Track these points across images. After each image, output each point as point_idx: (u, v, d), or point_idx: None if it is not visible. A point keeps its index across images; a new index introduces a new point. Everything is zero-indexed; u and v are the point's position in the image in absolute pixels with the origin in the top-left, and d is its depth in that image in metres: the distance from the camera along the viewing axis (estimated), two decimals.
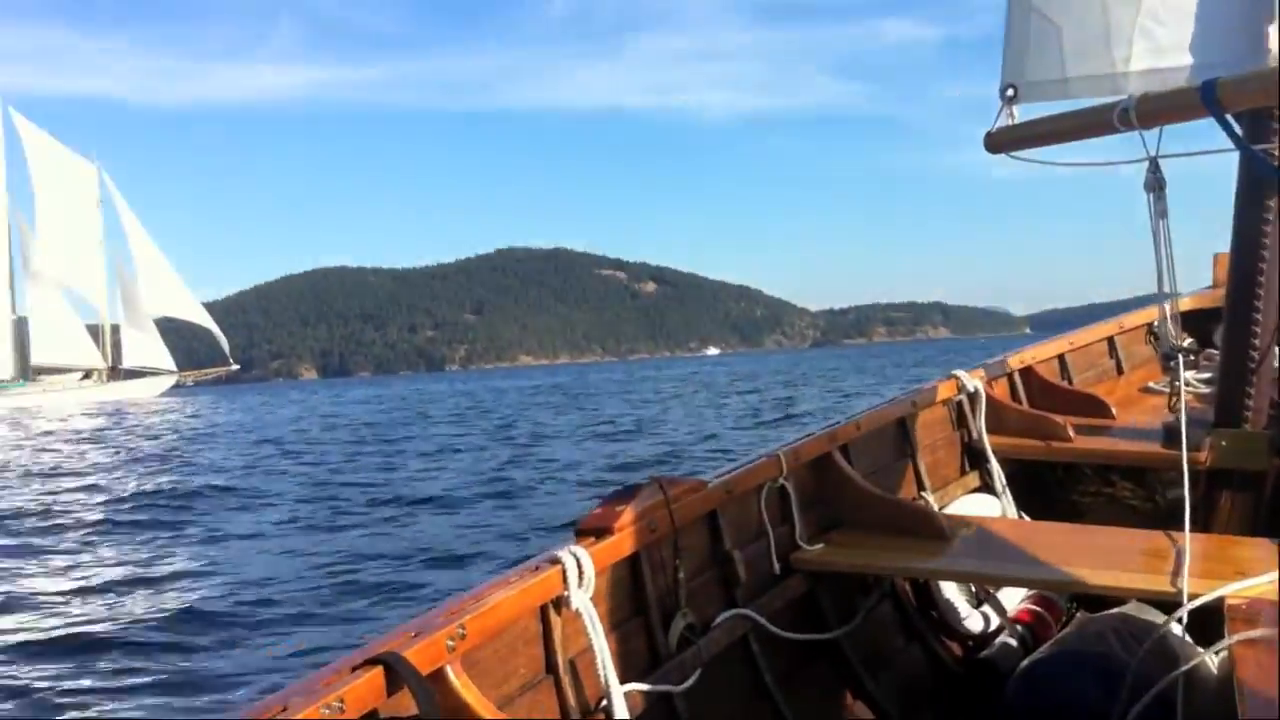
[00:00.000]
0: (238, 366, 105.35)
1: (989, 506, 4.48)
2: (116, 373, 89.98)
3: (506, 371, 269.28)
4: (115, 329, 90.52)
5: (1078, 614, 3.91)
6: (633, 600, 2.96)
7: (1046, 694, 3.06)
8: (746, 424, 23.99)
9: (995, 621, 4.00)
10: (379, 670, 2.05)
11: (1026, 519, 4.51)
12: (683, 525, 3.07)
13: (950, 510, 4.29)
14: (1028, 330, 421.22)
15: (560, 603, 2.61)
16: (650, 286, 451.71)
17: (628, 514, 2.88)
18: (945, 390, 4.71)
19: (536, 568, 2.59)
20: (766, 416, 26.24)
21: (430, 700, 2.08)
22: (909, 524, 3.66)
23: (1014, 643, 3.84)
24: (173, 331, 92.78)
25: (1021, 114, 3.17)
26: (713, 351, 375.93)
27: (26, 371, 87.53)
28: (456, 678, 2.24)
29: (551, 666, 2.62)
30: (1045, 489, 4.72)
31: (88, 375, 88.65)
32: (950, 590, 3.98)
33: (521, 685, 2.55)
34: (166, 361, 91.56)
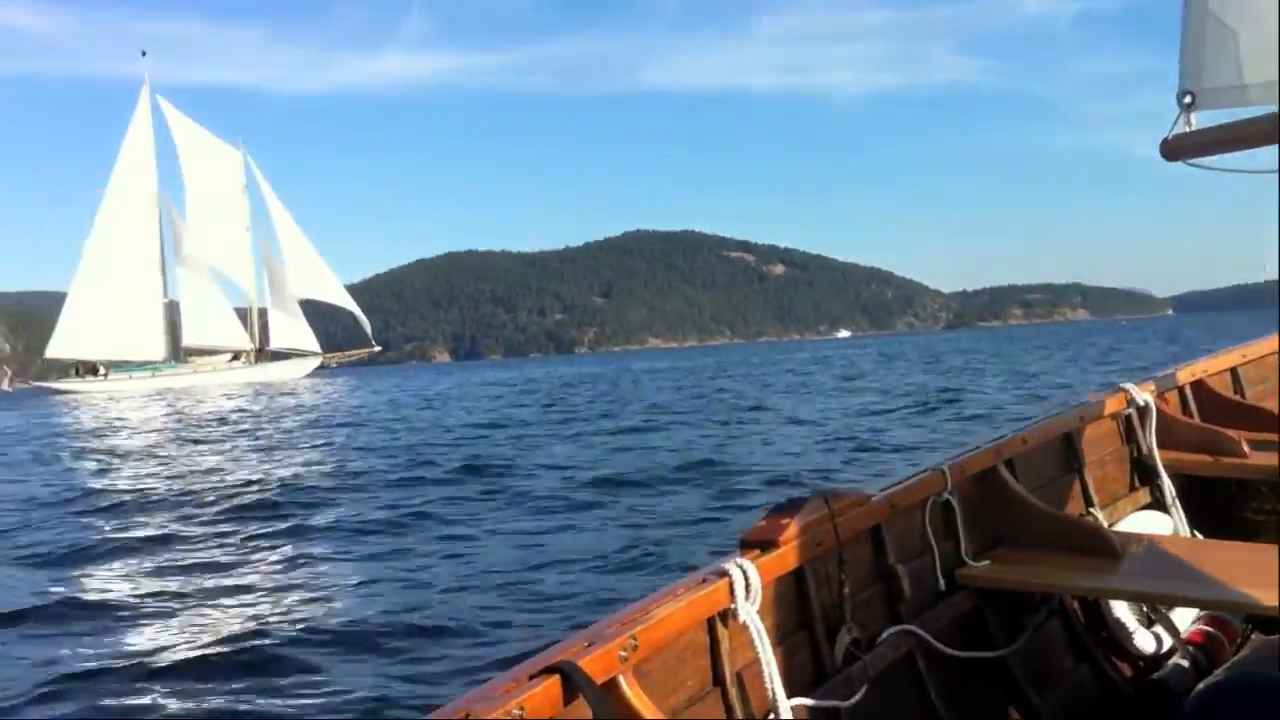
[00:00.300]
0: (380, 348, 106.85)
1: (1159, 523, 4.35)
2: (264, 354, 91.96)
3: (638, 353, 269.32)
4: (262, 312, 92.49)
5: (1253, 636, 3.83)
6: (798, 614, 2.95)
7: (1222, 717, 2.80)
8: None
9: (1167, 642, 3.83)
10: (556, 679, 2.12)
11: (1199, 536, 4.39)
12: (847, 539, 3.05)
13: (1119, 527, 4.17)
14: (1170, 312, 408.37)
15: (727, 615, 2.62)
16: (779, 268, 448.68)
17: (793, 527, 2.86)
18: (1113, 404, 4.58)
19: (704, 580, 2.60)
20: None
21: (606, 710, 2.15)
22: (1077, 540, 3.59)
23: (1187, 664, 3.73)
24: (311, 314, 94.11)
25: (1198, 121, 3.09)
26: (844, 334, 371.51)
27: (178, 353, 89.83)
28: (629, 688, 2.29)
29: (718, 679, 2.63)
30: (1218, 506, 4.56)
31: (236, 357, 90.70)
32: (1120, 609, 3.83)
33: (689, 697, 2.57)
34: (311, 343, 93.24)
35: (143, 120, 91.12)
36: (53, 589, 8.63)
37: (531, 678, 2.11)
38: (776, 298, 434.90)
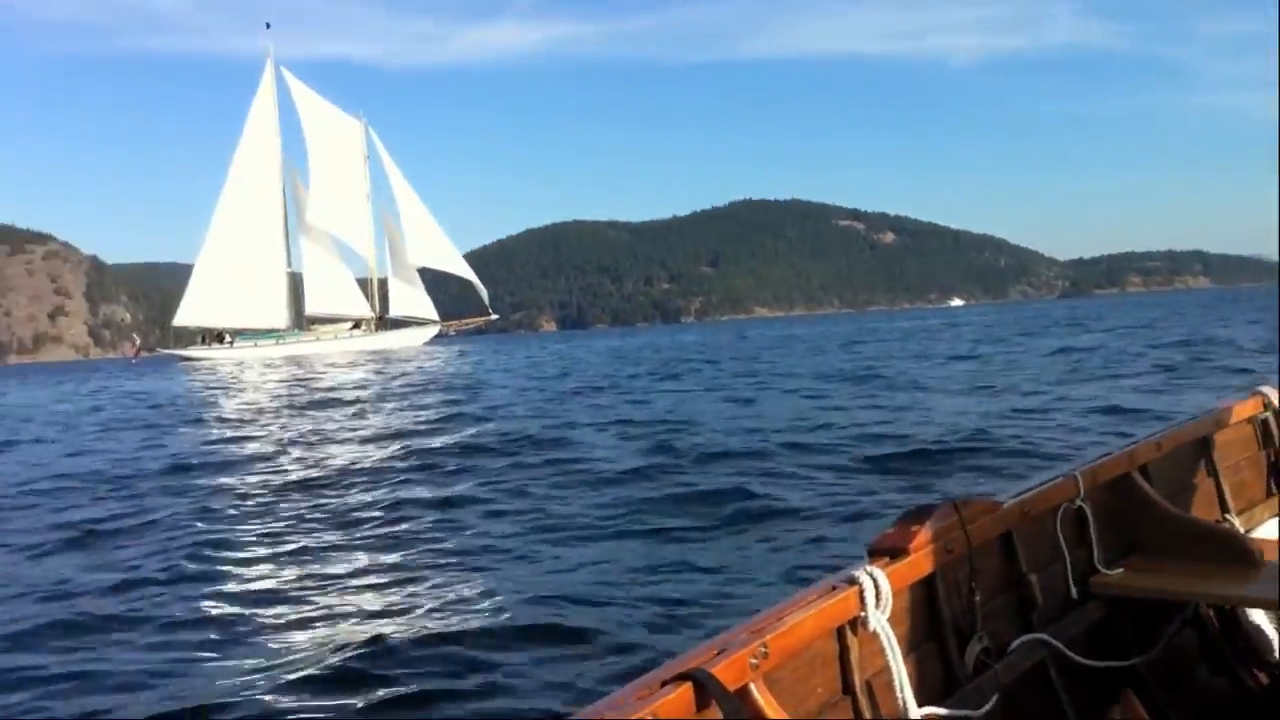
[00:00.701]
0: (497, 316, 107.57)
1: None
2: (384, 322, 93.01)
3: (745, 322, 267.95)
4: (383, 281, 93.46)
5: None
6: (928, 622, 2.92)
7: None
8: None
9: None
10: (688, 687, 2.12)
11: None
12: (978, 547, 3.02)
13: (1256, 534, 4.01)
14: None
15: (857, 624, 2.61)
16: (889, 236, 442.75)
17: (923, 534, 2.84)
18: (1249, 407, 4.49)
19: (834, 588, 2.59)
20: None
21: (739, 717, 2.14)
22: (1213, 548, 3.49)
23: None
24: (425, 282, 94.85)
25: None
26: (957, 303, 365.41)
27: (300, 321, 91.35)
28: (760, 696, 2.30)
29: (848, 687, 2.62)
30: None
31: (357, 325, 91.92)
32: (1257, 618, 3.69)
33: (819, 705, 2.56)
34: (430, 312, 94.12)
35: (267, 92, 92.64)
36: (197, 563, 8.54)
37: (664, 684, 2.11)
38: (886, 266, 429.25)
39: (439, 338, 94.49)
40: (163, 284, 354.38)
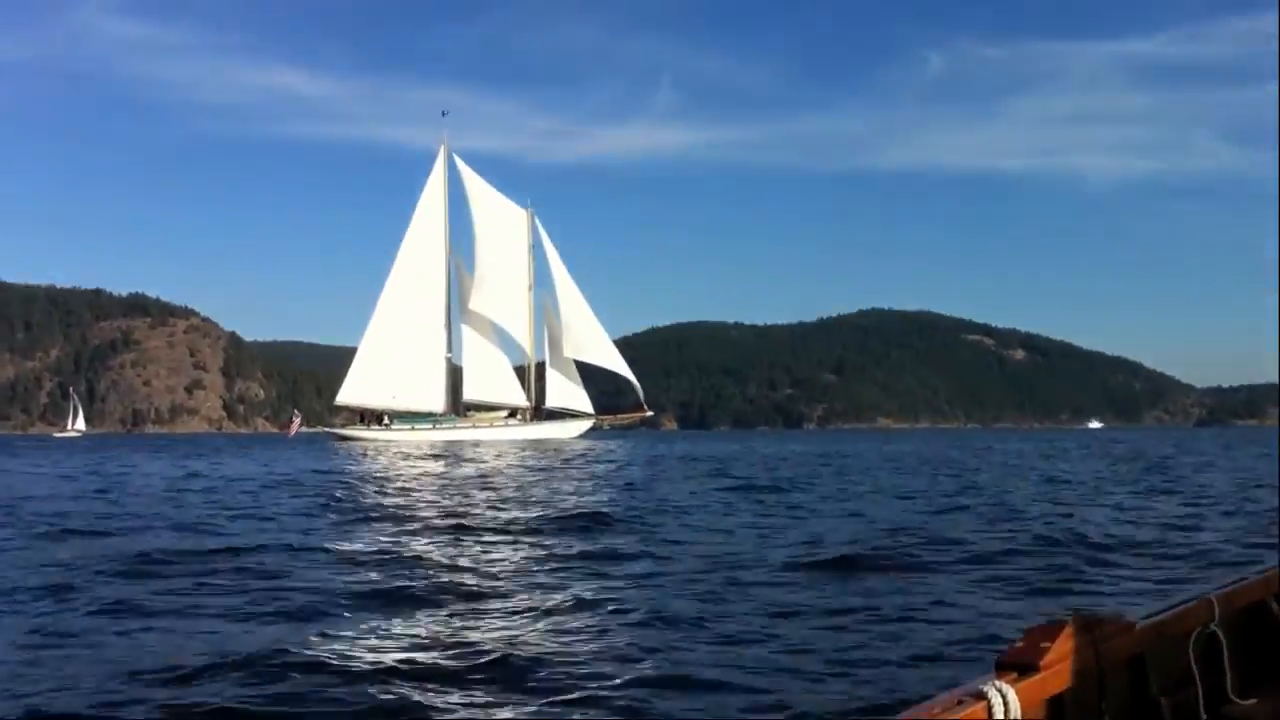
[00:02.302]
0: (652, 414, 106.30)
1: None
2: (539, 413, 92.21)
3: (869, 433, 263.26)
4: (540, 370, 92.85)
5: None
6: None
7: None
8: None
9: None
10: None
11: None
12: (1108, 667, 2.93)
13: None
14: None
15: None
16: (1019, 354, 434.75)
17: (1053, 651, 2.76)
18: None
19: (959, 701, 2.52)
20: None
21: None
22: None
23: None
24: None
25: None
26: (1095, 425, 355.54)
27: (457, 407, 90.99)
28: None
29: None
30: None
31: (513, 414, 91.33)
32: None
33: None
34: (585, 404, 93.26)
35: (438, 178, 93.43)
36: None
37: None
38: (1015, 383, 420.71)
39: (594, 430, 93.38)
40: (294, 362, 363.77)
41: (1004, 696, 2.52)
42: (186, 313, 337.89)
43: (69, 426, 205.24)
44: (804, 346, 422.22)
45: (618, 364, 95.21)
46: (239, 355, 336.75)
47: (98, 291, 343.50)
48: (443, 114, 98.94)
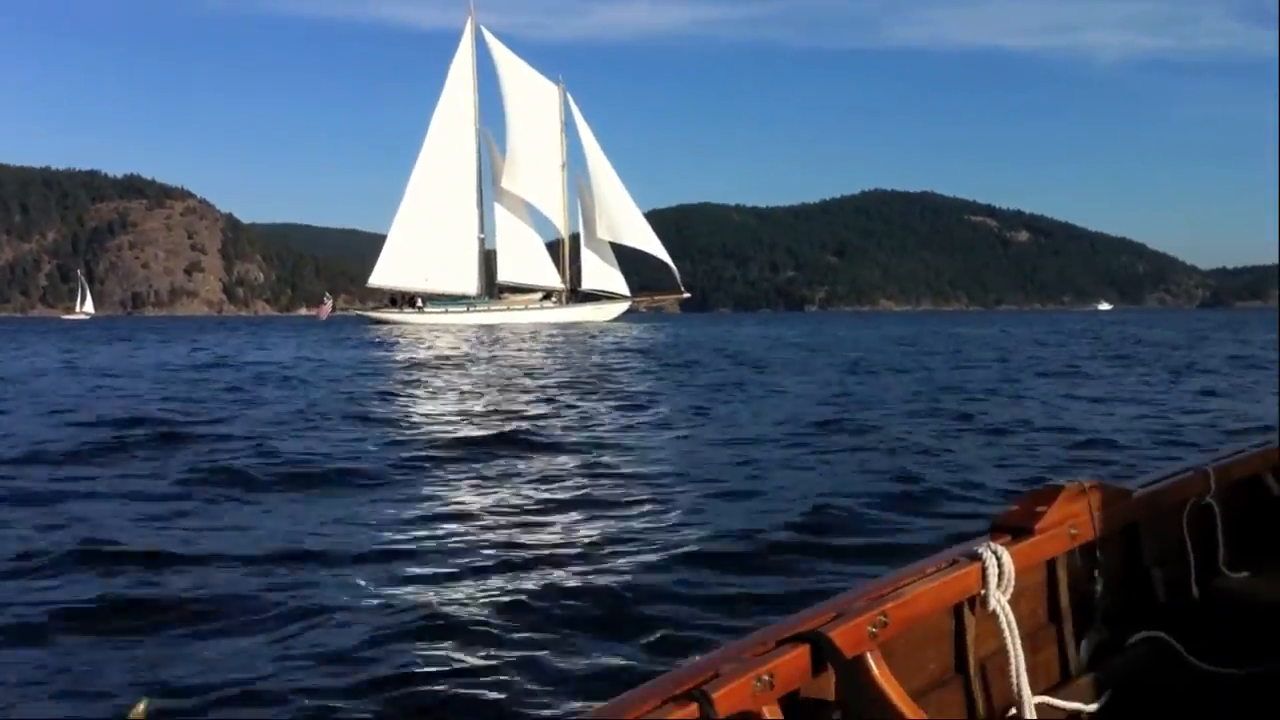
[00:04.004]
0: (689, 294, 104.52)
1: None
2: (575, 295, 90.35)
3: (871, 315, 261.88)
4: (575, 252, 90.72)
5: None
6: (1047, 608, 2.88)
7: None
8: None
9: None
10: (805, 649, 2.10)
11: None
12: (1103, 535, 2.95)
13: None
14: None
15: (976, 601, 2.55)
16: (1023, 235, 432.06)
17: (1049, 515, 2.77)
18: None
19: (954, 562, 2.53)
20: None
21: (854, 686, 2.15)
22: None
23: None
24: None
25: None
26: (1104, 306, 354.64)
27: (492, 289, 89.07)
28: (876, 666, 2.23)
29: (962, 666, 2.58)
30: None
31: (548, 296, 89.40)
32: None
33: (931, 681, 2.51)
34: (622, 286, 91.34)
35: (465, 53, 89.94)
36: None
37: (780, 643, 2.10)
38: (1018, 265, 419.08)
39: (629, 313, 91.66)
40: (294, 245, 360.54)
41: (998, 558, 2.51)
42: (183, 194, 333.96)
43: (77, 309, 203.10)
44: (806, 229, 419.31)
45: (653, 245, 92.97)
46: (237, 237, 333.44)
47: (93, 173, 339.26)
48: None
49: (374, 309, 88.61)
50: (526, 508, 9.07)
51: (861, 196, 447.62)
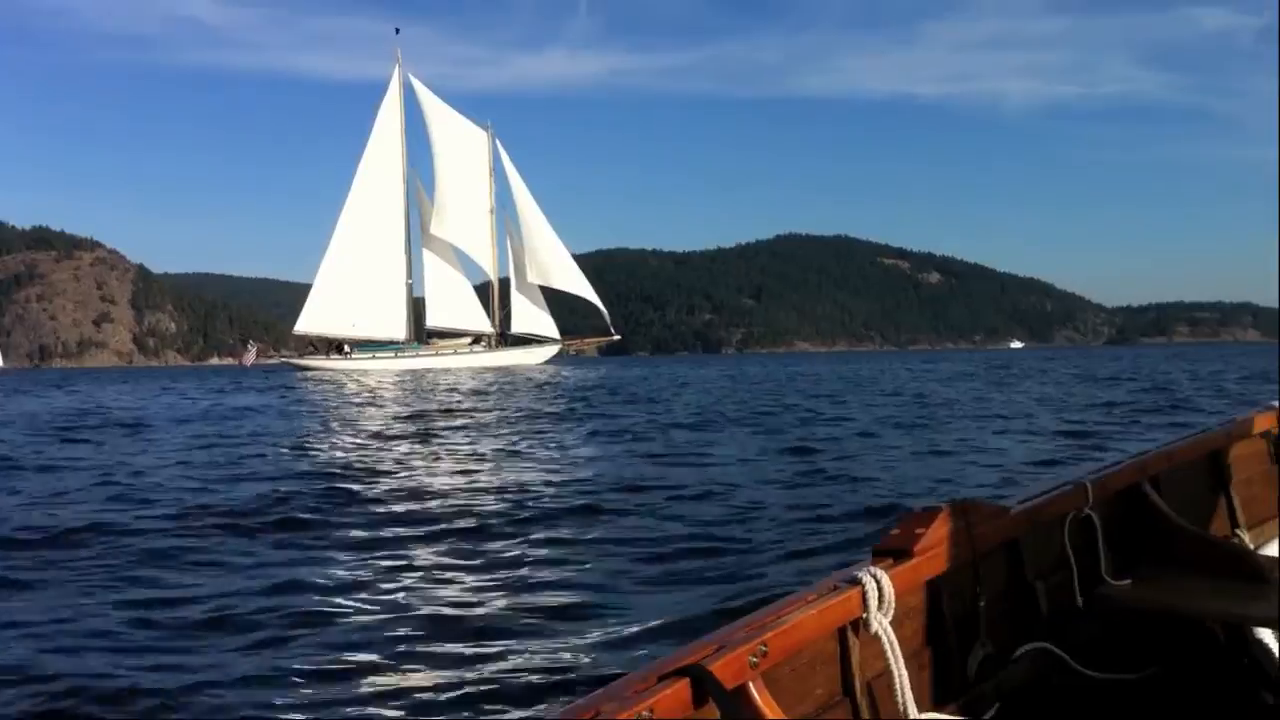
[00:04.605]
0: (619, 337, 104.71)
1: None
2: (505, 339, 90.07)
3: (785, 357, 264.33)
4: (505, 296, 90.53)
5: None
6: (931, 626, 2.90)
7: None
8: None
9: None
10: (685, 682, 2.10)
11: None
12: (983, 552, 2.98)
13: (1267, 550, 3.95)
14: None
15: (859, 625, 2.59)
16: (934, 276, 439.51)
17: (928, 537, 2.80)
18: (1263, 422, 4.41)
19: (835, 588, 2.57)
20: None
21: (736, 715, 2.13)
22: (1223, 564, 3.48)
23: None
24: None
25: None
26: (1016, 345, 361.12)
27: (420, 335, 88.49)
28: (758, 695, 2.26)
29: (848, 689, 2.61)
30: None
31: (477, 340, 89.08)
32: (1267, 637, 3.51)
33: (818, 706, 2.54)
34: (551, 329, 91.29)
35: (394, 99, 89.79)
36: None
37: (661, 679, 2.09)
38: (931, 306, 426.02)
39: (559, 356, 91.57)
40: (206, 295, 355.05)
41: (878, 581, 2.55)
42: (92, 245, 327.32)
43: None
44: (723, 272, 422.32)
45: (584, 288, 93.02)
46: (148, 287, 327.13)
47: None
48: (396, 31, 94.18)
49: (304, 354, 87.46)
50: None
51: (776, 241, 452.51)
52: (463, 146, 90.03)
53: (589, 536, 9.06)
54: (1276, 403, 4.54)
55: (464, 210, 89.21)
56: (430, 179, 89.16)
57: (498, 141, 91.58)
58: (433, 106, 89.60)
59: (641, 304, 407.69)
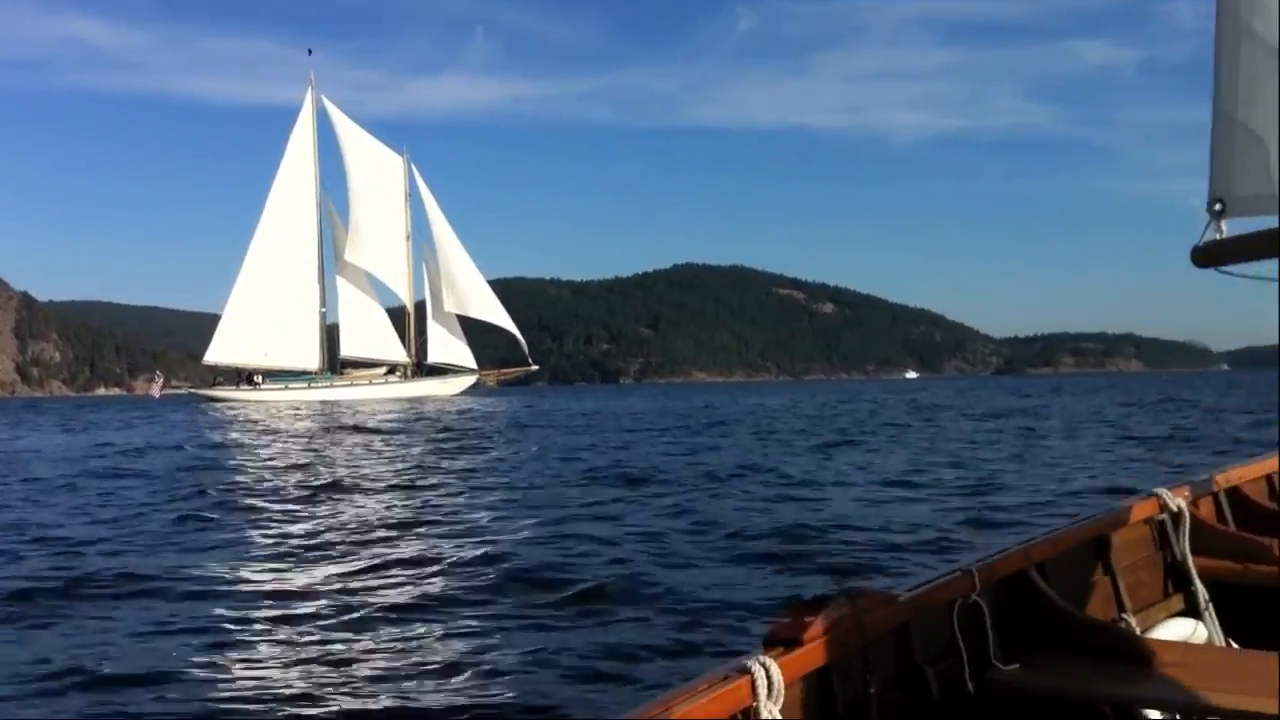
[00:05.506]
0: (537, 367, 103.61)
1: (1193, 631, 4.29)
2: (421, 369, 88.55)
3: (684, 387, 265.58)
4: (421, 324, 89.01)
5: None
6: (821, 714, 2.91)
7: None
8: None
9: None
10: None
11: (1234, 645, 4.33)
12: (873, 639, 3.02)
13: (1153, 634, 4.07)
14: (1225, 367, 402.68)
15: (749, 715, 2.58)
16: (828, 307, 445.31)
17: (817, 625, 2.84)
18: (1146, 508, 4.54)
19: (725, 677, 2.58)
20: None
21: None
22: (1110, 648, 3.54)
23: None
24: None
25: (1230, 229, 3.00)
26: (911, 375, 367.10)
27: (334, 364, 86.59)
28: None
29: None
30: (1253, 614, 4.42)
31: (392, 371, 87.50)
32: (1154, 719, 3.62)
33: None
34: (468, 360, 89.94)
35: (306, 123, 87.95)
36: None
37: None
38: (825, 336, 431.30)
39: (476, 387, 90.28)
40: (92, 323, 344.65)
41: (767, 670, 2.57)
42: None
43: None
44: (620, 302, 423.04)
45: (501, 317, 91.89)
46: (32, 316, 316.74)
47: None
48: (309, 52, 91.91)
49: (213, 384, 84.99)
50: None
51: (674, 270, 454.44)
52: (378, 171, 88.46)
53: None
54: (1159, 490, 4.62)
55: (379, 236, 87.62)
56: (345, 204, 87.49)
57: (414, 167, 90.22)
58: (347, 130, 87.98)
59: (540, 333, 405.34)
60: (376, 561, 10.30)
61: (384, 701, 5.97)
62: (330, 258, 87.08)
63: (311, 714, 5.76)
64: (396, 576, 9.53)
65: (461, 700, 5.96)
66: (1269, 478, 5.52)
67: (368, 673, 6.50)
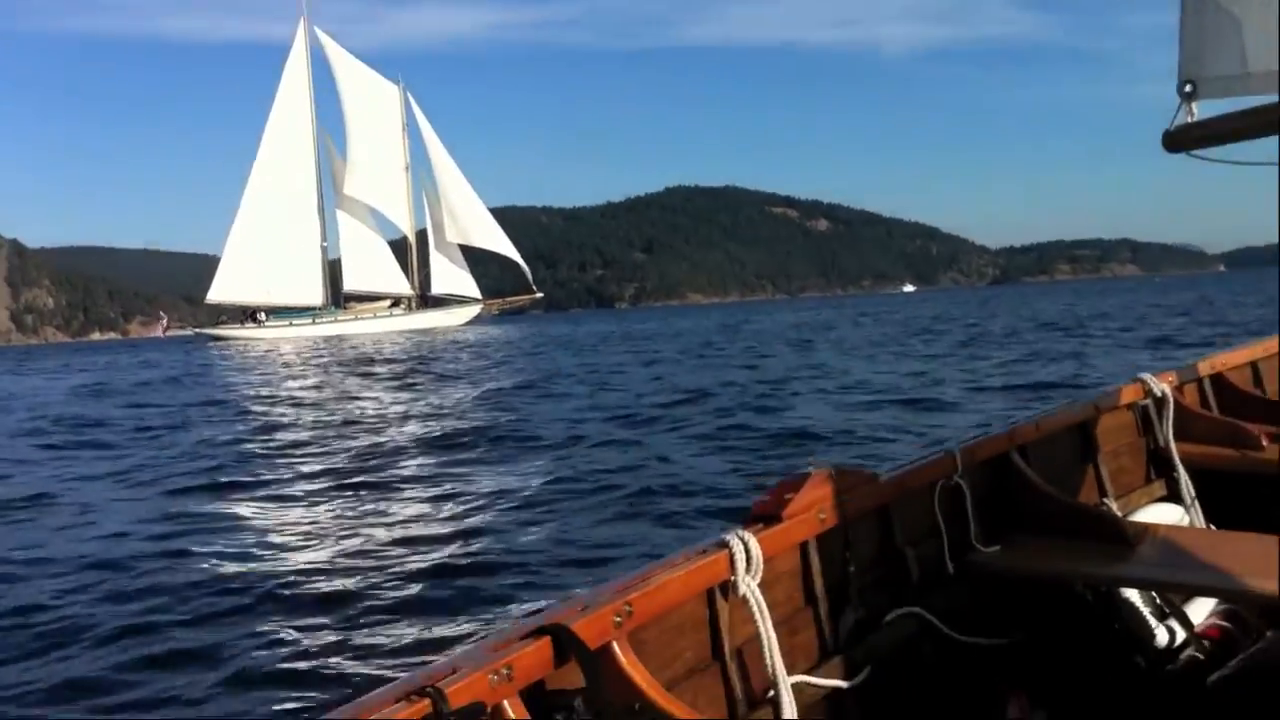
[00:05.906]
0: (542, 295, 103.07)
1: (1175, 516, 4.25)
2: (425, 301, 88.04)
3: (680, 309, 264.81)
4: (423, 256, 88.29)
5: (1269, 632, 3.63)
6: (801, 591, 2.93)
7: (1235, 712, 3.05)
8: None
9: (1181, 635, 3.61)
10: (547, 641, 2.13)
11: (1215, 530, 4.31)
12: (854, 518, 3.04)
13: (1134, 518, 3.94)
14: (1221, 268, 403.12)
15: (728, 588, 2.61)
16: (822, 224, 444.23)
17: (798, 502, 2.84)
18: (1130, 394, 4.52)
19: (704, 551, 2.60)
20: None
21: (598, 675, 2.15)
22: (1090, 529, 3.54)
23: (1201, 658, 3.57)
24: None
25: (1202, 110, 2.93)
26: (909, 289, 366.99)
27: (338, 299, 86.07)
28: (623, 654, 2.29)
29: (718, 652, 2.63)
30: (1235, 500, 4.42)
31: (396, 303, 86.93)
32: (1133, 599, 3.58)
33: (688, 669, 2.57)
34: (472, 290, 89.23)
35: (300, 56, 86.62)
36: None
37: (523, 638, 2.12)
38: (820, 253, 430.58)
39: (480, 317, 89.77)
40: (86, 269, 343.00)
41: (745, 544, 2.58)
42: None
43: None
44: (613, 227, 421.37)
45: (503, 245, 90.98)
46: (23, 263, 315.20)
47: None
48: None
49: (217, 324, 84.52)
50: None
51: (666, 193, 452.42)
52: (374, 102, 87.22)
53: None
54: (1144, 375, 4.59)
55: (378, 168, 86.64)
56: (342, 137, 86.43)
57: (410, 97, 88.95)
58: (341, 62, 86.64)
59: (534, 261, 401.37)
60: None
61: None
62: (330, 191, 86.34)
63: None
64: None
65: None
66: (1253, 364, 5.49)
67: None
